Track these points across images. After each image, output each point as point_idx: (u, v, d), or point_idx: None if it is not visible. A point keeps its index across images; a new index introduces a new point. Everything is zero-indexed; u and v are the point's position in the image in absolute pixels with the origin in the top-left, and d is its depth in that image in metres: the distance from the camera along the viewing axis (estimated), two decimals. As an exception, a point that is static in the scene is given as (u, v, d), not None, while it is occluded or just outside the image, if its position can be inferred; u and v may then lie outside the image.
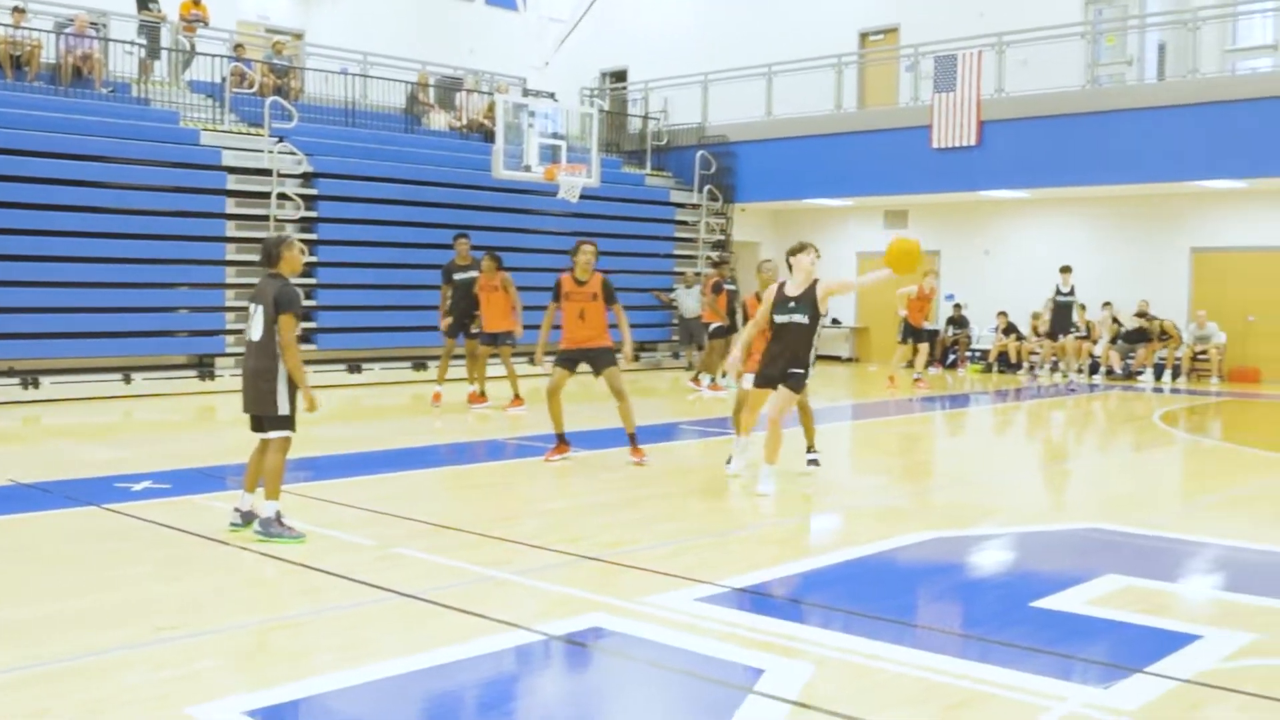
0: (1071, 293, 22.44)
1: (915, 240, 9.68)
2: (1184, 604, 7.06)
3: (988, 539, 8.79)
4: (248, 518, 8.29)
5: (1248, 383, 22.69)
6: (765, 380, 10.40)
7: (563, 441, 11.93)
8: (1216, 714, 5.11)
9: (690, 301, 24.14)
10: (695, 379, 20.32)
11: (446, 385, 17.24)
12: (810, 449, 11.59)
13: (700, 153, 27.00)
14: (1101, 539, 8.79)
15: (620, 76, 32.11)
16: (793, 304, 10.26)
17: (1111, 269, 24.11)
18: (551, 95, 21.38)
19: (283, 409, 8.11)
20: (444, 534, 8.42)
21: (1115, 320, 23.92)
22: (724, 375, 19.80)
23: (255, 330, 8.06)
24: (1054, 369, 23.63)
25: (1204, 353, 23.05)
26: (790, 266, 10.45)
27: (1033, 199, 25.02)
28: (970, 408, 19.54)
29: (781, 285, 10.41)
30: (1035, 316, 24.41)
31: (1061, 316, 22.65)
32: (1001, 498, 10.91)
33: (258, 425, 8.29)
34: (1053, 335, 22.95)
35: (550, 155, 20.85)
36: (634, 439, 11.88)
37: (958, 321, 26.02)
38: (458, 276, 16.73)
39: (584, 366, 11.98)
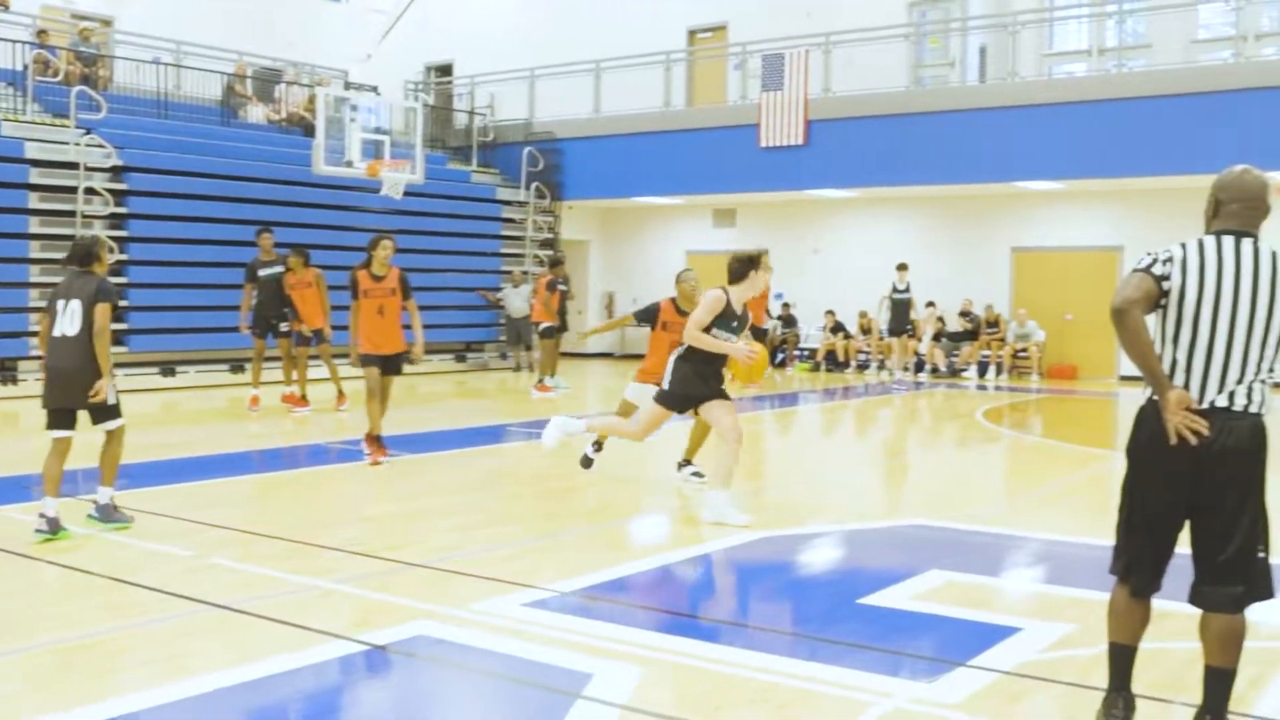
0: (907, 290, 23.02)
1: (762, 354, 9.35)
2: (1005, 597, 7.29)
3: (816, 537, 8.94)
4: (54, 525, 8.02)
5: (1066, 379, 23.54)
6: (687, 401, 9.34)
7: (380, 443, 11.82)
8: (1036, 704, 5.29)
9: (518, 301, 24.08)
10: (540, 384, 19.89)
11: (265, 388, 16.86)
12: (689, 462, 11.12)
13: (527, 149, 26.97)
14: (926, 535, 9.02)
15: (445, 70, 31.86)
16: (735, 323, 9.15)
17: (936, 268, 24.75)
18: (374, 89, 21.15)
19: (111, 398, 8.41)
20: (262, 542, 8.25)
21: (940, 319, 24.60)
22: (553, 376, 19.75)
23: (73, 326, 8.20)
24: (881, 367, 24.18)
25: (1024, 350, 23.85)
26: (739, 276, 9.18)
27: (860, 198, 25.58)
28: (799, 406, 19.88)
29: (726, 295, 9.14)
30: (863, 315, 24.95)
31: (899, 314, 23.22)
32: (829, 496, 11.12)
33: (58, 421, 8.33)
34: (895, 333, 23.45)
35: (373, 151, 20.61)
36: (374, 440, 11.84)
37: (787, 320, 26.44)
38: (262, 273, 16.28)
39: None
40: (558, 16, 29.76)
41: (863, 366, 24.84)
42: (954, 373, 24.07)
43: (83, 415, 8.40)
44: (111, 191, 19.62)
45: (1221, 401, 4.52)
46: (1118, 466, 4.85)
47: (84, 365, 8.13)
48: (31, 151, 18.98)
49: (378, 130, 20.80)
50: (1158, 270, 4.55)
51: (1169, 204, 21.87)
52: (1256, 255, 4.53)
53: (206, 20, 27.54)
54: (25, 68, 21.04)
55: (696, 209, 27.99)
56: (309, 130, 23.23)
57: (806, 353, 26.09)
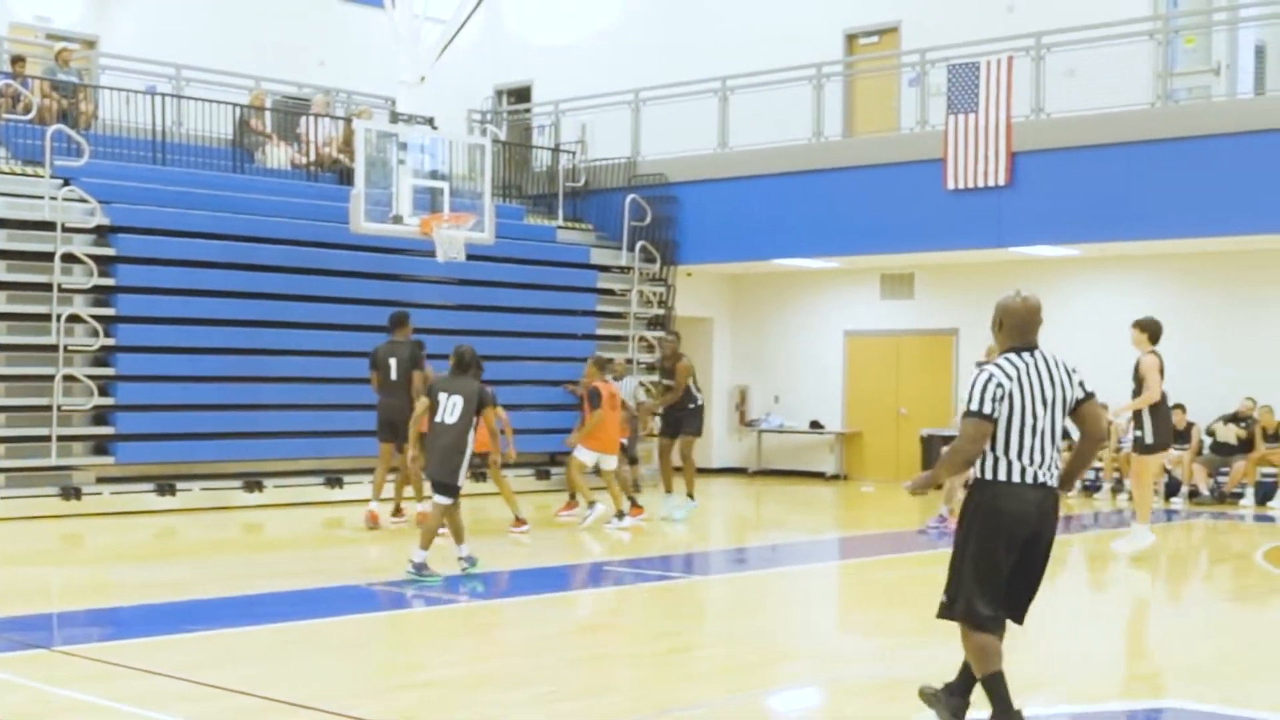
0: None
1: None
2: None
3: None
4: (419, 569, 13.39)
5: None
6: None
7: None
8: None
9: (631, 392, 23.97)
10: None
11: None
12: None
13: (630, 197, 26.80)
14: None
15: (523, 95, 32.25)
16: None
17: (1194, 354, 24.09)
18: (429, 121, 21.34)
19: (459, 481, 13.45)
20: (286, 713, 8.31)
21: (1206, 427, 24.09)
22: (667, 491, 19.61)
23: (453, 416, 13.39)
24: (1118, 488, 23.75)
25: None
26: None
27: (1084, 257, 25.14)
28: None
29: None
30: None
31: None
32: (1055, 664, 10.84)
33: (441, 490, 13.36)
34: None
35: (429, 202, 20.70)
36: None
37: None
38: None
39: None
40: (670, 22, 29.80)
41: (1090, 488, 24.24)
42: (1221, 498, 23.35)
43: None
44: (95, 258, 20.02)
45: None
46: None
47: (455, 448, 13.19)
48: (-1, 209, 19.50)
49: (434, 174, 20.95)
50: None
51: None
52: None
53: (213, 39, 28.08)
54: (-11, 102, 21.63)
55: (859, 274, 27.69)
56: (345, 176, 23.58)
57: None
